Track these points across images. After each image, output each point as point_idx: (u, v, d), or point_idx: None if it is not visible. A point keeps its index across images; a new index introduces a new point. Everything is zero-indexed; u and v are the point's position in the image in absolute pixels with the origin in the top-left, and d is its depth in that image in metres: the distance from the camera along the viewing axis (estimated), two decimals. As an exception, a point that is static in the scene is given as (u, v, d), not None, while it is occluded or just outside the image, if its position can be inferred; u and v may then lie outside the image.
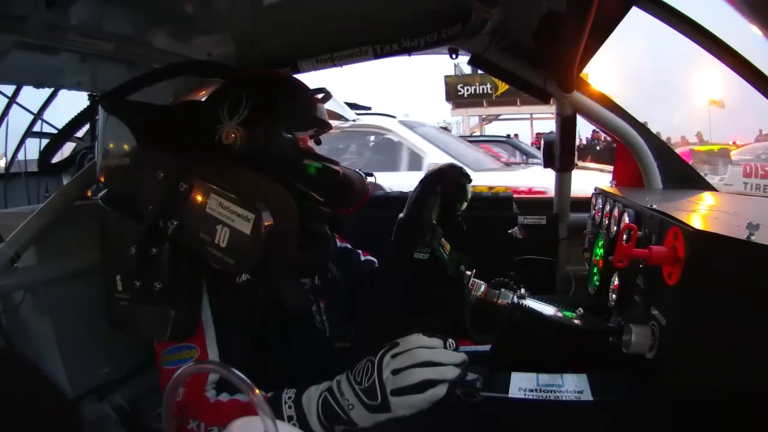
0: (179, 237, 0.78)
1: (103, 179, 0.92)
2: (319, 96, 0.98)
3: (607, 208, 1.14)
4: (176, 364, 0.82)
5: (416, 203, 1.00)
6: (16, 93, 2.31)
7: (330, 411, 0.72)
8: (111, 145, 0.90)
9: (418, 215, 0.98)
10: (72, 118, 1.15)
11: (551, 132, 1.63)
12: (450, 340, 0.74)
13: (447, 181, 1.03)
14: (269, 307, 0.89)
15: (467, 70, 13.06)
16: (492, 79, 13.10)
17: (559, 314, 0.97)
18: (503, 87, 12.74)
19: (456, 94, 14.00)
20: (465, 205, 1.09)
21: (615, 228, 1.03)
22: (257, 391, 0.45)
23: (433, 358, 0.71)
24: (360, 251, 1.24)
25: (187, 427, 0.75)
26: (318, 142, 1.01)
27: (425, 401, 0.69)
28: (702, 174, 1.50)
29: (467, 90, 13.92)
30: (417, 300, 1.08)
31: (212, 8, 1.09)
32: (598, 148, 9.18)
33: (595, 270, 1.13)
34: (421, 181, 1.03)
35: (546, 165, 1.68)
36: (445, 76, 14.06)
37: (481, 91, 13.83)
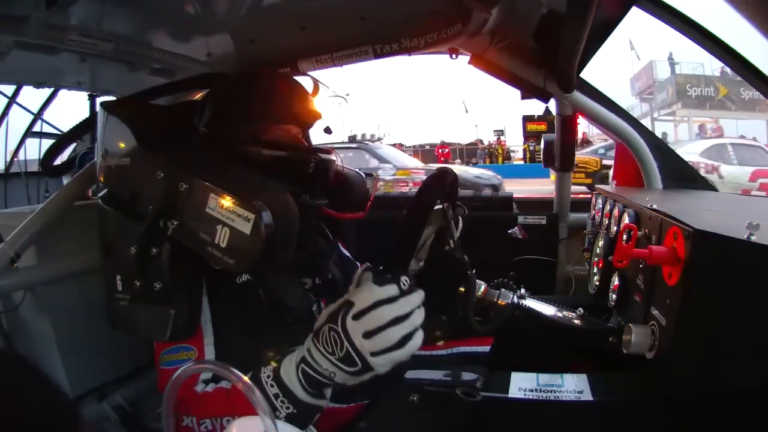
0: (179, 237, 0.78)
1: (103, 179, 0.92)
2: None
3: (607, 208, 1.14)
4: (174, 365, 0.82)
5: (408, 219, 0.93)
6: (16, 93, 2.32)
7: (313, 380, 0.71)
8: (111, 145, 0.90)
9: (409, 233, 0.92)
10: (78, 123, 1.16)
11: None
12: (403, 278, 0.69)
13: (438, 190, 0.94)
14: (269, 307, 0.89)
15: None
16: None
17: (559, 314, 0.96)
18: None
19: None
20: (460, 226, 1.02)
21: (615, 228, 1.03)
22: (257, 391, 0.44)
23: (399, 312, 0.68)
24: (358, 263, 1.22)
25: (182, 424, 0.75)
26: (328, 132, 1.05)
27: (406, 355, 0.69)
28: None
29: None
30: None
31: (212, 8, 1.09)
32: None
33: (595, 270, 1.13)
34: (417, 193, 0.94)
35: (546, 165, 1.68)
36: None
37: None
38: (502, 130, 15.13)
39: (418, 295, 0.70)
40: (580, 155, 9.08)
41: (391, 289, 0.68)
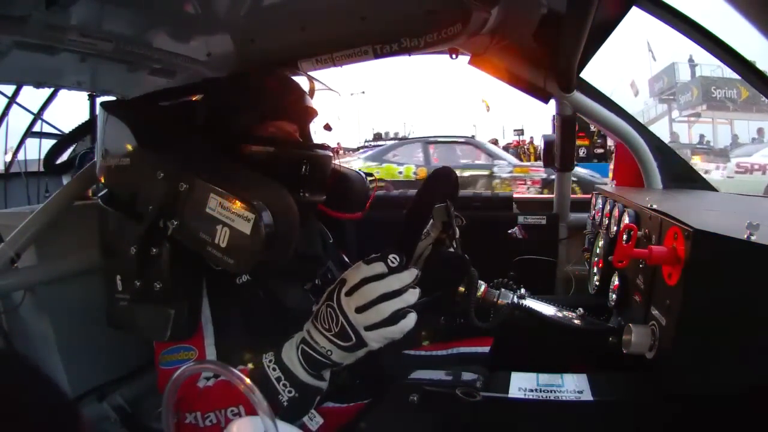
0: (179, 237, 0.78)
1: (103, 179, 0.92)
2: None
3: (607, 208, 1.14)
4: (174, 365, 0.82)
5: (410, 214, 0.90)
6: (16, 93, 2.32)
7: (312, 360, 0.72)
8: (111, 145, 0.90)
9: (411, 228, 0.89)
10: (80, 124, 1.16)
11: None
12: (390, 255, 0.70)
13: (440, 189, 0.95)
14: (269, 308, 0.89)
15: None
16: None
17: (559, 314, 0.96)
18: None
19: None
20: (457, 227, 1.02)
21: (615, 228, 1.03)
22: (257, 391, 0.45)
23: (387, 288, 0.69)
24: None
25: (185, 422, 0.75)
26: (327, 128, 1.05)
27: (399, 332, 0.69)
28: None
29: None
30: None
31: (212, 8, 1.09)
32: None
33: (595, 270, 1.13)
34: (415, 197, 0.93)
35: (546, 165, 1.68)
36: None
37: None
38: (521, 130, 15.01)
39: (409, 273, 0.71)
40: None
41: (378, 267, 0.70)
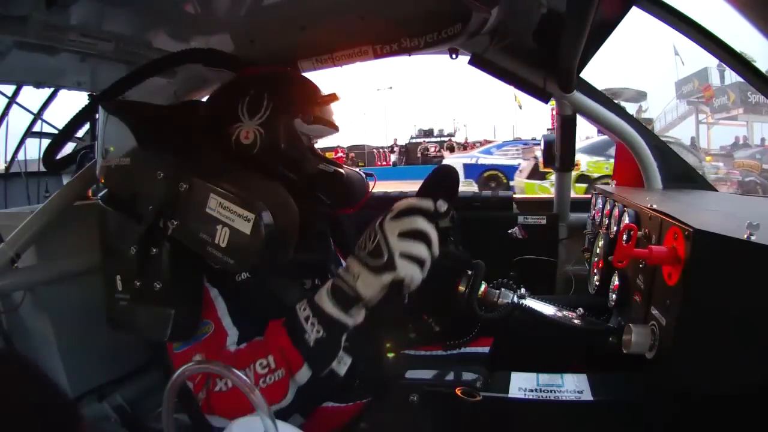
0: (179, 237, 0.78)
1: (103, 179, 0.92)
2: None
3: (607, 208, 1.14)
4: (190, 344, 0.81)
5: None
6: (16, 93, 2.31)
7: (338, 292, 0.75)
8: (111, 145, 0.90)
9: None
10: (72, 117, 1.15)
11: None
12: (440, 200, 0.76)
13: (440, 187, 0.94)
14: (269, 307, 0.89)
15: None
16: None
17: (559, 314, 0.96)
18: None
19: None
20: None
21: (615, 228, 1.03)
22: (257, 391, 0.45)
23: (427, 228, 0.74)
24: None
25: (215, 390, 0.75)
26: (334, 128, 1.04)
27: (415, 283, 0.74)
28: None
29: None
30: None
31: (212, 8, 1.09)
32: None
33: (595, 270, 1.13)
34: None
35: (546, 165, 1.68)
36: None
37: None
38: (552, 129, 15.10)
39: (434, 232, 0.75)
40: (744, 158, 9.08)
41: (426, 203, 0.75)
